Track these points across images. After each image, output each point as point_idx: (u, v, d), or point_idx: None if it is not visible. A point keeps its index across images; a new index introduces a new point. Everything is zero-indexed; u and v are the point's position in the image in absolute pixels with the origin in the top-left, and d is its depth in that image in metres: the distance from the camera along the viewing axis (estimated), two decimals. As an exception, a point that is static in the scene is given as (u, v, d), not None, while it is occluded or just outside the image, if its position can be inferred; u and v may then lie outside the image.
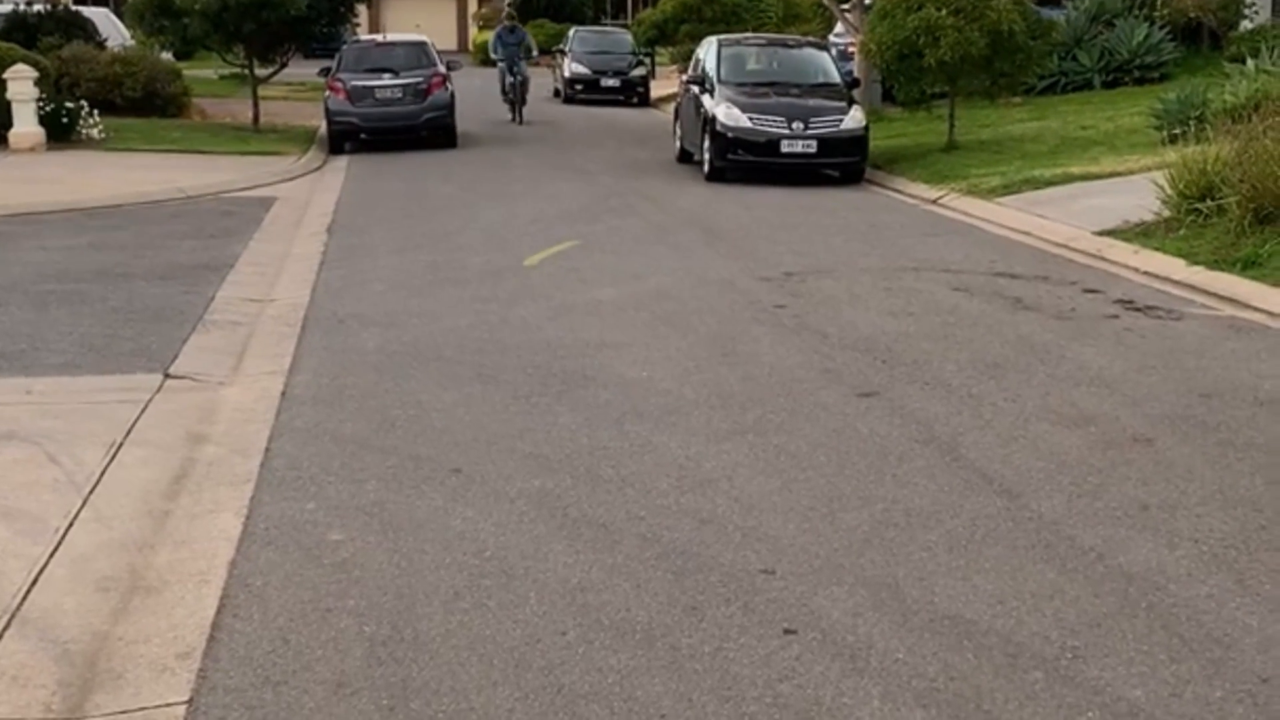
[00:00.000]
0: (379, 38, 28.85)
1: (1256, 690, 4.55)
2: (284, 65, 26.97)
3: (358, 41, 27.21)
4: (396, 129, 23.49)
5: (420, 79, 23.81)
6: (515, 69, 29.00)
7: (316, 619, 5.18)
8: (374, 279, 12.12)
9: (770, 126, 18.91)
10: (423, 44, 25.40)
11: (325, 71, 24.44)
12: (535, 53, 30.98)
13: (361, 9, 31.02)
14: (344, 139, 23.57)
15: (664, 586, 5.42)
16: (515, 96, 28.94)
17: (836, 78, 20.76)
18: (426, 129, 23.66)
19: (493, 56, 30.16)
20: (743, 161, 18.99)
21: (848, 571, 5.58)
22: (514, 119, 28.58)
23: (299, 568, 5.67)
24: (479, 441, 7.35)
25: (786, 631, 5.02)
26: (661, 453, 7.14)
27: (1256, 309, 10.48)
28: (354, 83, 23.49)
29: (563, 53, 37.70)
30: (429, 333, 9.93)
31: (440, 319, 10.40)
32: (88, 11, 31.52)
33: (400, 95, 23.61)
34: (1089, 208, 14.65)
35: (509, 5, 32.58)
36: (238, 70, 28.01)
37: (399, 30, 39.81)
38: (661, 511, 6.27)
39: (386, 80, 23.64)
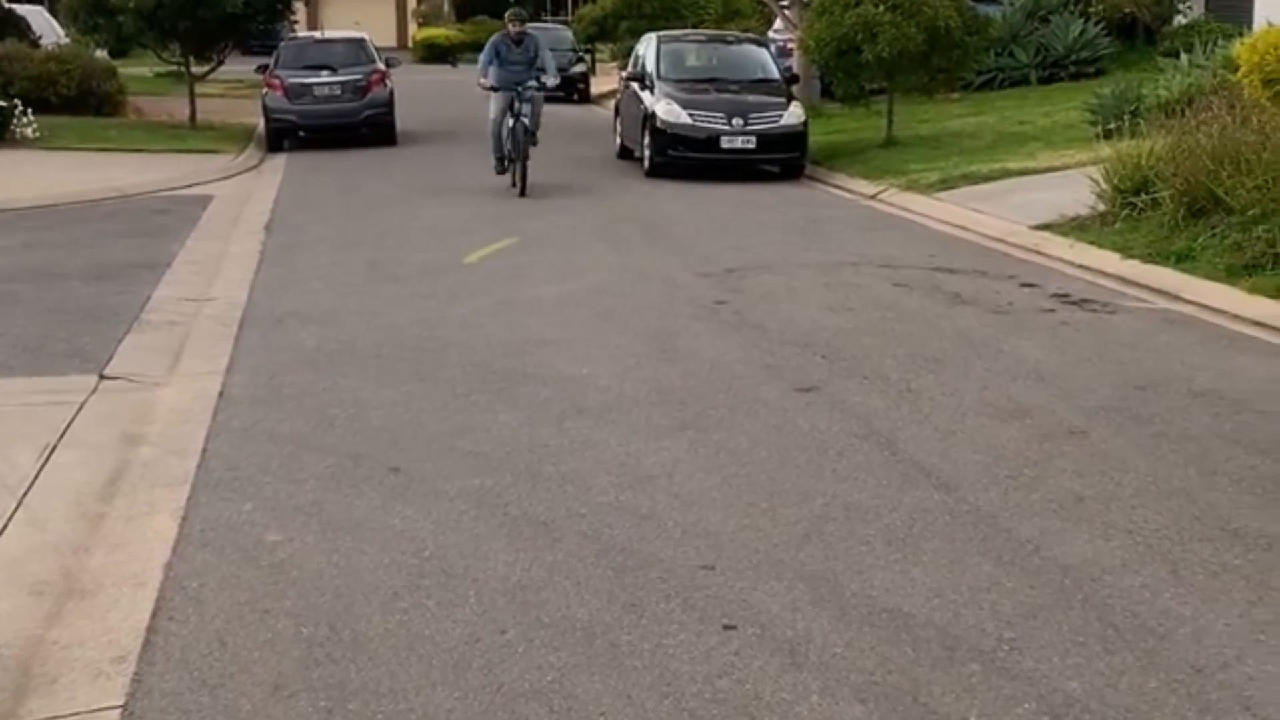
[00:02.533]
0: (317, 34, 28.77)
1: (1190, 680, 4.60)
2: (221, 63, 26.76)
3: (295, 38, 27.05)
4: (335, 126, 23.35)
5: (359, 76, 23.70)
6: (520, 102, 17.48)
7: (254, 620, 5.14)
8: (312, 277, 12.04)
9: (710, 123, 18.94)
10: (361, 41, 25.27)
11: (263, 69, 24.26)
12: (555, 78, 18.59)
13: (299, 6, 30.72)
14: (282, 137, 23.40)
15: (604, 584, 5.42)
16: (514, 148, 17.46)
17: (776, 74, 20.82)
18: (366, 126, 23.54)
19: (481, 82, 17.98)
20: (683, 158, 19.00)
21: (787, 566, 5.60)
22: (511, 181, 17.57)
23: (236, 569, 5.62)
24: (418, 440, 7.32)
25: (726, 627, 5.02)
26: (601, 450, 7.13)
27: (1190, 301, 10.60)
28: (292, 80, 23.33)
29: (502, 50, 37.48)
30: (368, 331, 9.88)
31: (379, 317, 10.35)
32: (21, 9, 31.12)
33: (339, 92, 23.48)
34: (1026, 202, 14.76)
35: (514, 8, 18.66)
36: (174, 68, 27.80)
37: (337, 27, 39.63)
38: (601, 509, 6.26)
39: (325, 77, 23.51)
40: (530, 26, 42.58)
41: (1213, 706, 4.44)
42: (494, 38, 18.35)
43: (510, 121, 17.53)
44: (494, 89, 17.76)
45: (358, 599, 5.31)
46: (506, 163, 17.74)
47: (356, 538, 5.93)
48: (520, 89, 17.58)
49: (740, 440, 7.29)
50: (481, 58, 18.20)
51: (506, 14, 18.27)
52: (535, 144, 17.69)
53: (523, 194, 17.13)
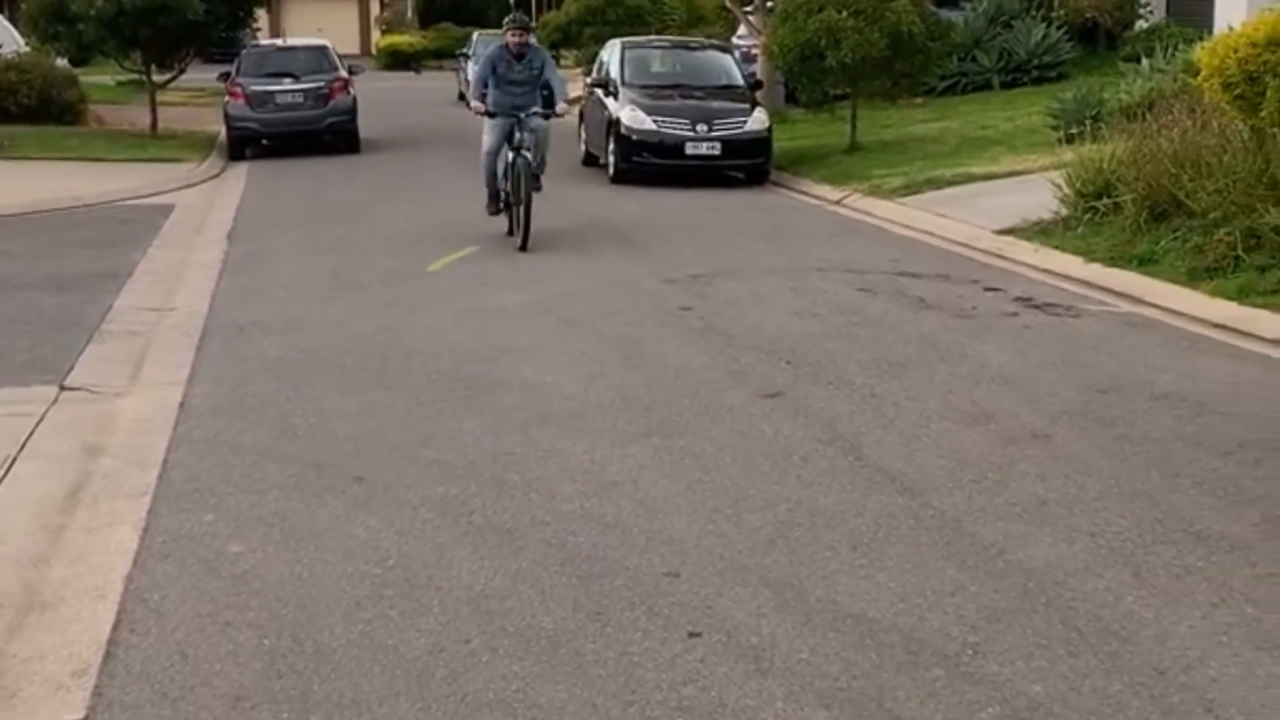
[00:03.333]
0: (279, 42, 28.62)
1: (1153, 682, 4.61)
2: (182, 71, 26.62)
3: (257, 46, 26.95)
4: (298, 134, 23.26)
5: (322, 84, 23.62)
6: (521, 132, 13.98)
7: (215, 632, 5.10)
8: (275, 286, 11.99)
9: (674, 129, 18.96)
10: (324, 48, 25.19)
11: (225, 77, 24.13)
12: (566, 99, 14.87)
13: (261, 13, 30.58)
14: (244, 145, 23.29)
15: (568, 592, 5.40)
16: (513, 190, 13.98)
17: (740, 80, 20.86)
18: (329, 134, 23.48)
19: (473, 105, 14.68)
20: (647, 164, 19.01)
21: (752, 572, 5.59)
22: (509, 229, 14.27)
23: (198, 581, 5.58)
24: (382, 449, 7.29)
25: (691, 634, 5.01)
26: (566, 457, 7.12)
27: (1152, 305, 10.65)
28: (254, 88, 23.24)
29: (466, 57, 37.53)
30: (331, 339, 9.84)
31: (342, 325, 10.30)
32: (-20, 18, 30.95)
33: (301, 100, 23.40)
34: (989, 207, 14.81)
35: (514, 14, 16.31)
36: (135, 76, 27.64)
37: (300, 34, 39.42)
38: (566, 516, 6.24)
39: (287, 85, 23.43)
40: (492, 34, 42.78)
41: (1175, 709, 4.45)
42: (490, 51, 14.54)
43: (509, 156, 13.94)
44: (490, 114, 14.13)
45: (320, 609, 5.27)
46: (502, 205, 14.34)
47: (319, 548, 5.90)
48: (522, 116, 13.96)
49: (705, 446, 7.28)
50: (474, 76, 14.76)
51: (505, 21, 14.82)
52: (539, 188, 13.99)
53: (524, 247, 13.52)
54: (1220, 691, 4.54)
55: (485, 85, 14.15)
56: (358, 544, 5.94)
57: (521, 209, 13.72)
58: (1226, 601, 5.23)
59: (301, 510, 6.37)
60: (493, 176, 14.31)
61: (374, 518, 6.25)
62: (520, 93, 14.06)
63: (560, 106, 14.46)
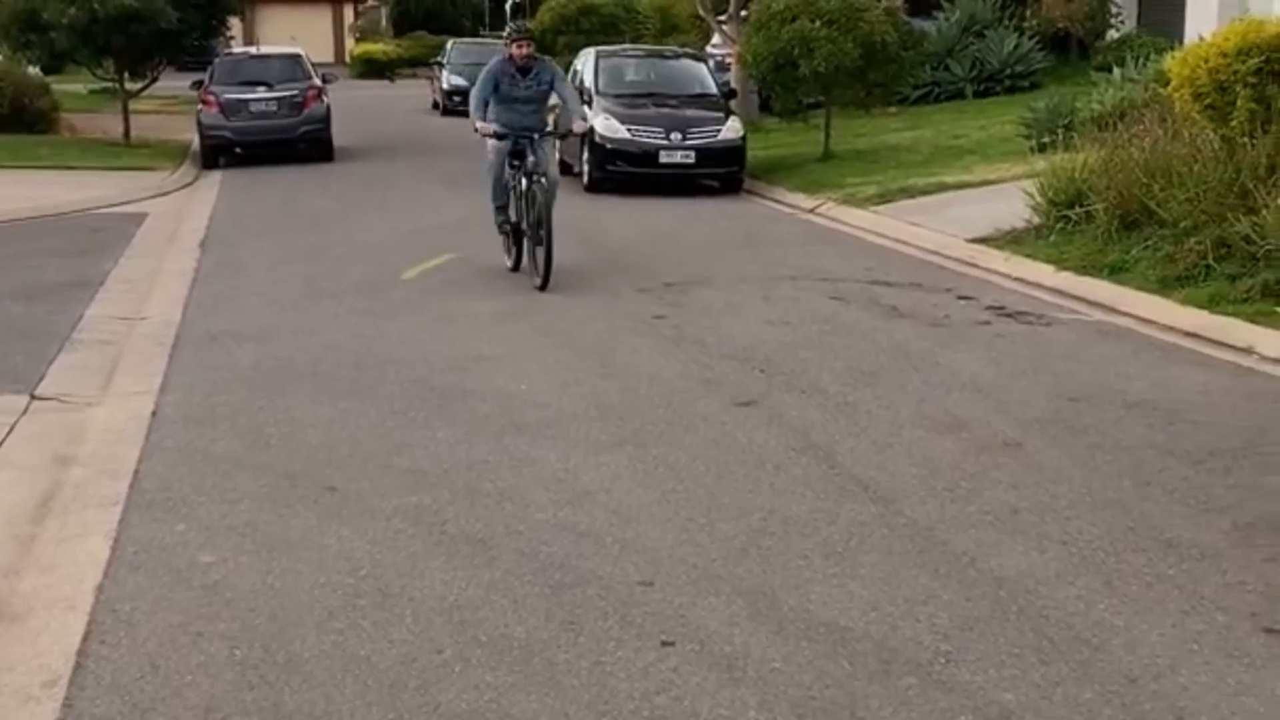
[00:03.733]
0: (253, 50, 28.59)
1: (1124, 690, 4.63)
2: (155, 79, 26.56)
3: (231, 54, 26.87)
4: (272, 143, 23.19)
5: (295, 92, 23.58)
6: (532, 154, 12.30)
7: (186, 643, 5.08)
8: (248, 294, 11.95)
9: (649, 137, 18.98)
10: (297, 56, 25.15)
11: (198, 85, 24.08)
12: (583, 119, 14.49)
13: (235, 21, 30.51)
14: (218, 153, 23.23)
15: (541, 602, 5.39)
16: (531, 226, 12.30)
17: (714, 88, 20.90)
18: (303, 142, 23.42)
19: (477, 125, 12.45)
20: (621, 172, 19.02)
21: (725, 581, 5.59)
22: (513, 263, 12.85)
23: (169, 591, 5.56)
24: (355, 458, 7.27)
25: (664, 643, 5.01)
26: (540, 466, 7.11)
27: (1123, 313, 10.70)
28: (227, 96, 23.18)
29: (441, 65, 37.52)
30: (304, 348, 9.81)
31: (316, 334, 10.28)
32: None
33: (275, 108, 23.35)
34: (962, 215, 14.86)
35: (515, 21, 16.34)
36: (108, 84, 27.54)
37: (274, 42, 39.37)
38: (539, 526, 6.23)
39: (261, 93, 23.37)
40: (469, 42, 42.67)
41: (1146, 716, 4.47)
42: (491, 64, 12.68)
43: (521, 183, 12.28)
44: (496, 136, 12.32)
45: (292, 620, 5.26)
46: (510, 233, 12.76)
47: (291, 558, 5.88)
48: (533, 137, 12.30)
49: (679, 455, 7.28)
50: (474, 93, 12.56)
51: (507, 30, 13.23)
52: (551, 207, 12.08)
53: (543, 287, 11.80)
54: (1191, 699, 4.56)
55: (486, 104, 12.33)
56: (330, 554, 5.92)
57: (542, 246, 11.90)
58: (1197, 609, 5.26)
59: (274, 520, 6.35)
60: (499, 188, 12.60)
61: (346, 527, 6.23)
62: (527, 111, 12.44)
63: (577, 125, 13.35)
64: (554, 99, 12.99)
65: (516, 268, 12.69)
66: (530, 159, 12.22)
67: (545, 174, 12.11)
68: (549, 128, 12.78)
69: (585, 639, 5.06)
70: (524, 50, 12.45)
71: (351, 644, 5.04)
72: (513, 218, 12.59)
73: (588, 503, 6.54)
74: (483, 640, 5.05)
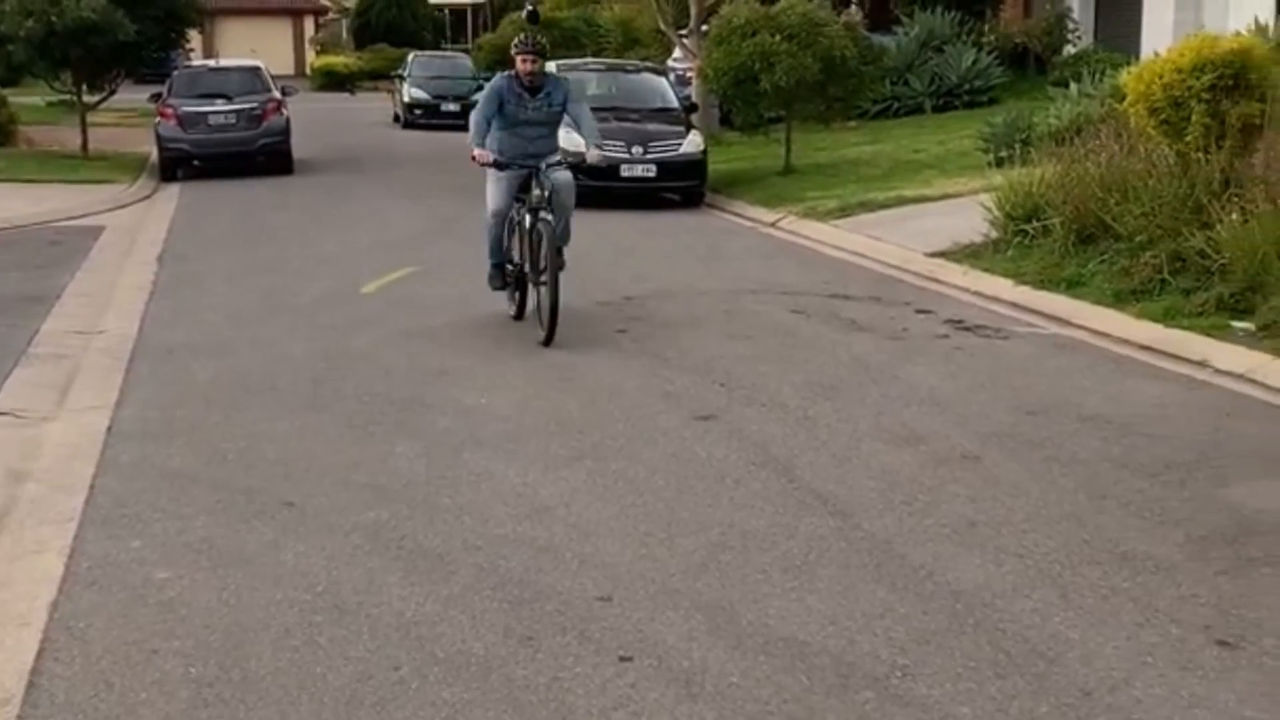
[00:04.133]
0: (212, 63, 28.46)
1: (1079, 703, 4.65)
2: (113, 91, 26.40)
3: (190, 67, 26.76)
4: (230, 155, 23.08)
5: (255, 104, 23.47)
6: (540, 187, 10.62)
7: (141, 660, 5.04)
8: (206, 308, 11.89)
9: (610, 151, 18.88)
10: (257, 69, 25.04)
11: (156, 97, 23.94)
12: (598, 145, 11.32)
13: (194, 34, 30.37)
14: (176, 166, 23.10)
15: (500, 617, 5.38)
16: (532, 267, 10.70)
17: (675, 102, 20.94)
18: (262, 155, 23.31)
19: (475, 152, 10.72)
20: (582, 185, 18.92)
21: (684, 596, 5.59)
22: (515, 310, 11.22)
23: (124, 608, 5.52)
24: (313, 473, 7.24)
25: (622, 659, 5.01)
26: (499, 480, 7.10)
27: (1080, 327, 10.77)
28: (186, 109, 23.06)
29: (401, 78, 37.47)
30: (262, 362, 9.77)
31: (274, 348, 10.23)
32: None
33: (234, 121, 23.24)
34: (921, 229, 14.93)
35: (524, 33, 11.65)
36: (66, 97, 27.37)
37: (233, 55, 39.19)
38: (498, 540, 6.22)
39: (220, 106, 23.26)
40: (430, 55, 42.60)
41: (1102, 729, 4.50)
42: (495, 81, 11.09)
43: (525, 220, 10.62)
44: (497, 165, 10.65)
45: (248, 637, 5.23)
46: (512, 281, 11.13)
47: (248, 574, 5.85)
48: (542, 166, 10.65)
49: (638, 469, 7.28)
50: (474, 115, 10.95)
51: (514, 43, 11.09)
52: (563, 264, 10.53)
53: (548, 341, 10.15)
54: (1145, 712, 4.59)
55: (487, 126, 10.73)
56: (287, 570, 5.89)
57: (545, 290, 10.25)
58: (1151, 622, 5.29)
59: (230, 536, 6.32)
60: (499, 243, 10.97)
61: (304, 543, 6.20)
62: (535, 136, 10.75)
63: (592, 154, 10.99)
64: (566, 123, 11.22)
65: (520, 315, 11.02)
66: (535, 192, 10.48)
67: (552, 210, 10.44)
68: (556, 156, 10.86)
69: (543, 654, 5.05)
70: (530, 65, 10.67)
71: (307, 661, 5.02)
72: (515, 259, 10.90)
73: (546, 517, 6.53)
74: (440, 656, 5.04)
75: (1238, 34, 13.73)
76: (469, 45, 53.72)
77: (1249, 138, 11.34)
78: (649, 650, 5.08)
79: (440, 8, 64.31)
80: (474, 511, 6.61)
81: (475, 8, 64.85)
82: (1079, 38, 27.12)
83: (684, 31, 26.68)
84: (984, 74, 26.69)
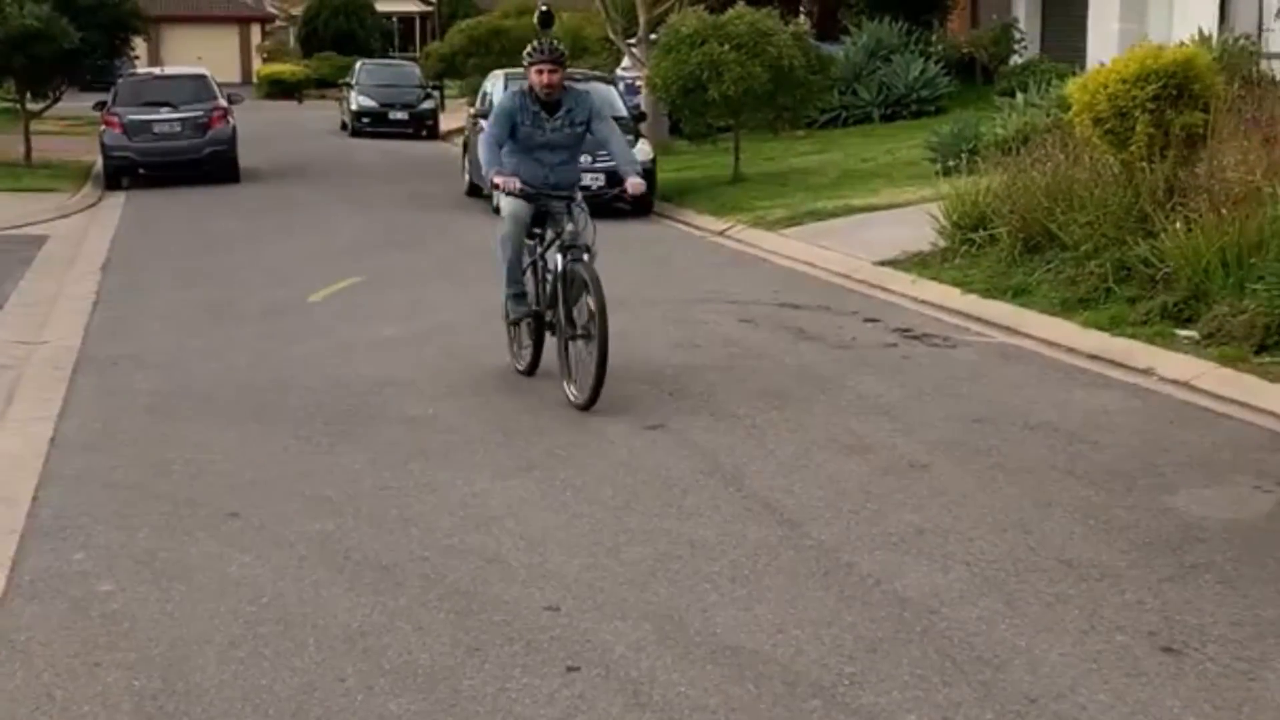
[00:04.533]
0: (157, 70, 28.26)
1: (1025, 710, 4.67)
2: (57, 99, 26.18)
3: (135, 74, 26.56)
4: (176, 164, 22.94)
5: (200, 113, 23.32)
6: (563, 223, 8.96)
7: (84, 673, 4.99)
8: (150, 318, 11.80)
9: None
10: (203, 77, 24.90)
11: (101, 105, 23.76)
12: (637, 171, 9.32)
13: (139, 42, 30.16)
14: (121, 174, 22.94)
15: (446, 628, 5.35)
16: (566, 316, 8.90)
17: (624, 111, 20.90)
18: (208, 164, 23.17)
19: (493, 178, 8.99)
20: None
21: (632, 605, 5.58)
22: (527, 365, 9.50)
23: (66, 621, 5.46)
24: (258, 484, 7.19)
25: (570, 669, 4.99)
26: (446, 491, 7.07)
27: (1026, 335, 10.82)
28: (130, 117, 22.89)
29: (349, 86, 37.35)
30: (207, 373, 9.69)
31: (219, 358, 10.16)
32: None
33: (180, 129, 23.09)
34: (869, 238, 14.99)
35: (538, 39, 9.63)
36: (9, 105, 27.11)
37: (180, 63, 38.96)
38: (445, 551, 6.19)
39: (165, 114, 23.11)
40: (377, 63, 42.55)
41: (1047, 736, 4.52)
42: (504, 100, 9.45)
43: (556, 260, 8.99)
44: (518, 193, 8.94)
45: (192, 649, 5.18)
46: (531, 324, 9.40)
47: (192, 586, 5.80)
48: (571, 197, 9.10)
49: (586, 479, 7.27)
50: (483, 140, 9.55)
51: (528, 51, 9.18)
52: (602, 310, 8.49)
53: (589, 404, 8.50)
54: (1090, 719, 4.61)
55: (499, 147, 9.10)
56: (231, 582, 5.84)
57: (588, 346, 8.58)
58: (1096, 628, 5.32)
59: (174, 548, 6.26)
60: (517, 266, 9.29)
61: (248, 555, 6.16)
62: (556, 162, 9.14)
63: (632, 182, 9.07)
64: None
65: (532, 371, 9.42)
66: (569, 226, 8.85)
67: (587, 246, 8.82)
68: (585, 182, 9.42)
69: (490, 665, 5.03)
70: (548, 77, 8.94)
71: (252, 673, 4.97)
72: (533, 305, 9.33)
73: (494, 528, 6.51)
74: (386, 668, 5.01)
75: (1182, 44, 13.88)
76: (417, 54, 53.62)
77: (1192, 147, 11.43)
78: (597, 660, 5.07)
79: (389, 16, 64.14)
80: (421, 522, 6.58)
81: (424, 16, 64.76)
82: (1025, 48, 27.34)
83: (632, 40, 26.72)
84: (931, 84, 26.84)
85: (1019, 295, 11.71)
